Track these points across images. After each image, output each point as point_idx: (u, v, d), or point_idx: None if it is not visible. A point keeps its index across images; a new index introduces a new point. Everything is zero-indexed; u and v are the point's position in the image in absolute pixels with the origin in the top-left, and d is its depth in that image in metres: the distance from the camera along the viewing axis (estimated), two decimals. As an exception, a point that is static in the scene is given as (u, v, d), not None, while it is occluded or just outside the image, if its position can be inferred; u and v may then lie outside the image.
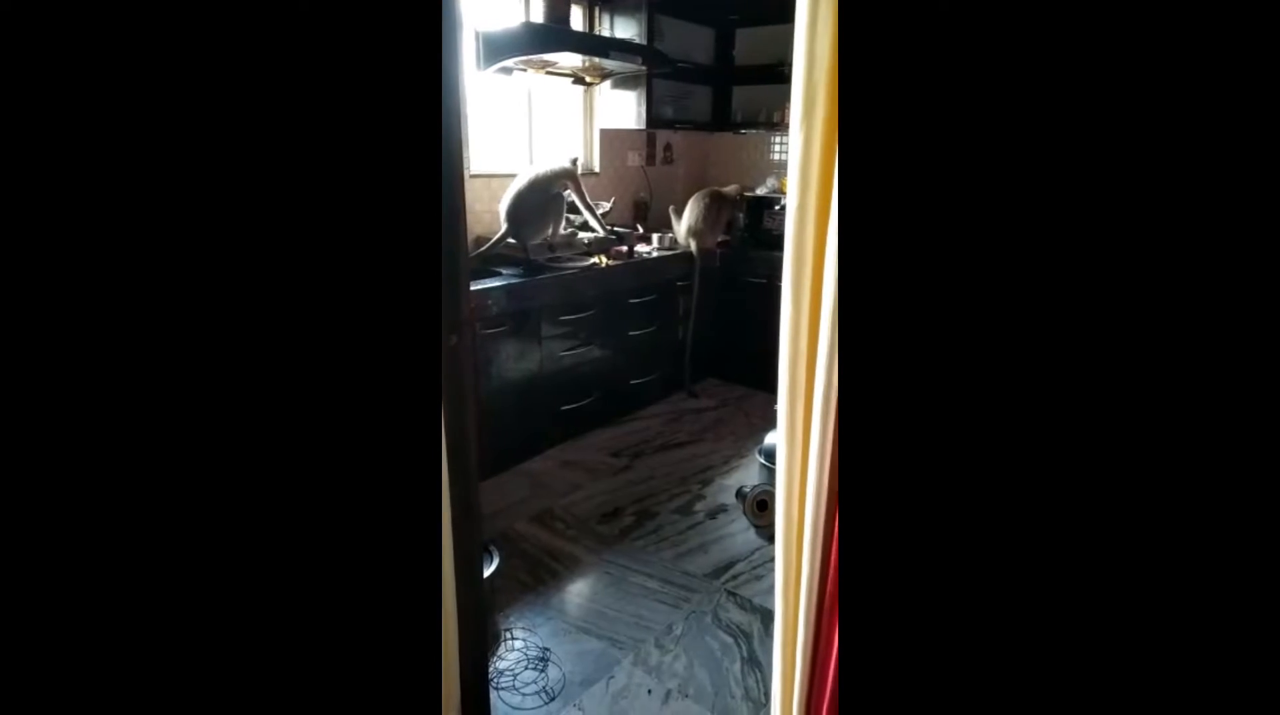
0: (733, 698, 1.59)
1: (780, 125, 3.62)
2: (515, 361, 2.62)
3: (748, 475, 2.61)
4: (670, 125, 3.55)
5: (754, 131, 3.80)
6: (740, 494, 2.41)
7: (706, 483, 2.62)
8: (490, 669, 1.59)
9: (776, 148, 3.84)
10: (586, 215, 2.94)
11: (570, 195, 2.84)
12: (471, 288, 1.80)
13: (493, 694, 1.53)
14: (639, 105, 3.27)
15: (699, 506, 2.46)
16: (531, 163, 3.08)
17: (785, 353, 0.95)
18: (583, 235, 3.02)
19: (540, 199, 2.68)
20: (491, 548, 1.88)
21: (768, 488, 2.33)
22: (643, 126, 3.33)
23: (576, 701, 1.58)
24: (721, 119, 3.79)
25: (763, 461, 2.46)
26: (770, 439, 2.51)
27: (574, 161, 2.83)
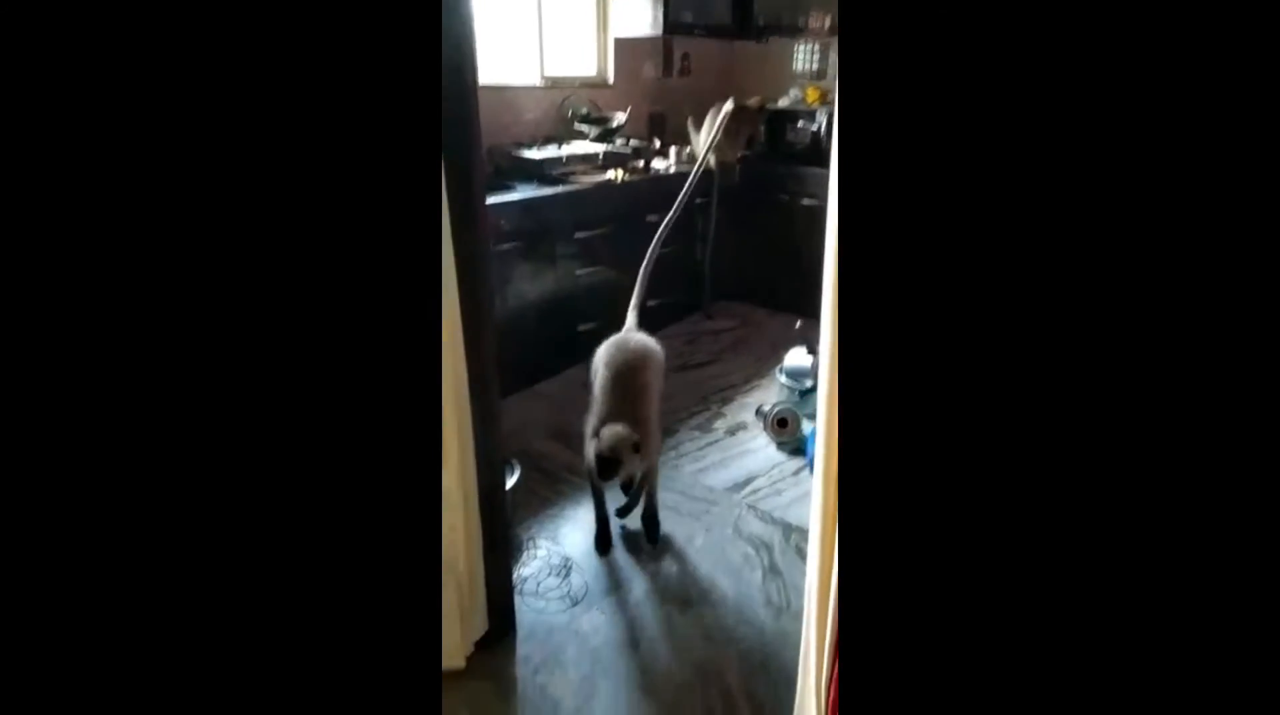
0: (754, 604, 1.61)
1: (806, 31, 3.41)
2: (530, 281, 2.56)
3: (767, 395, 2.58)
4: (689, 30, 3.34)
5: (777, 39, 3.58)
6: (760, 412, 2.39)
7: (727, 401, 2.61)
8: (514, 576, 1.62)
9: (800, 57, 3.62)
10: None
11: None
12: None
13: (516, 599, 1.56)
14: (655, 9, 3.08)
15: (718, 424, 2.45)
16: (542, 70, 2.95)
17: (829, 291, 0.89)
18: (596, 148, 2.90)
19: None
20: (513, 461, 1.89)
21: (789, 406, 2.31)
22: (659, 32, 3.14)
23: (599, 606, 1.61)
24: (742, 23, 3.56)
25: (784, 380, 2.43)
26: (790, 358, 2.47)
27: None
